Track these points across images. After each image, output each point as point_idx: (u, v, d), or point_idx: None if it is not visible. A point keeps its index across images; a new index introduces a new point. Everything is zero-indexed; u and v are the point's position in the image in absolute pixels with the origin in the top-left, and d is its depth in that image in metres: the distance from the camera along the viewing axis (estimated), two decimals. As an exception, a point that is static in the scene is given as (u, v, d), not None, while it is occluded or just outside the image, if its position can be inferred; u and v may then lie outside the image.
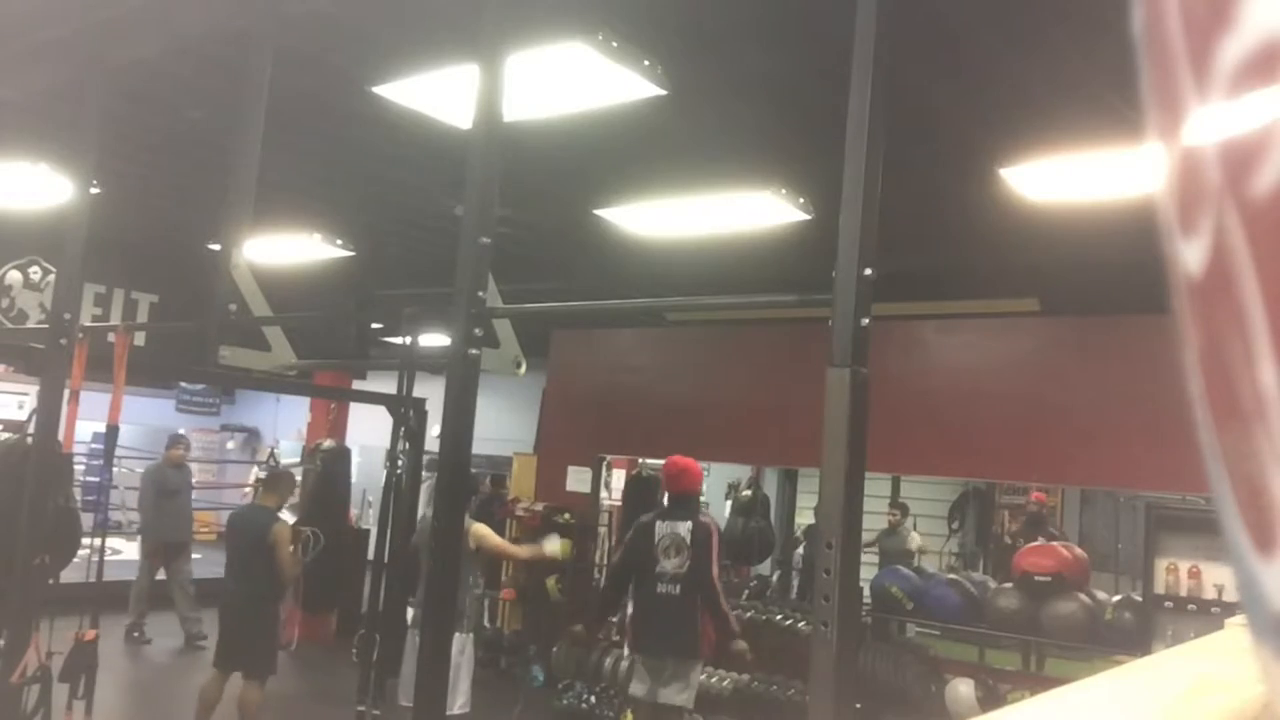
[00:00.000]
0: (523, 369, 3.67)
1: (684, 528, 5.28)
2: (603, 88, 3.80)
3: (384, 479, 5.55)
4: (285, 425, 14.94)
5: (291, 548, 6.04)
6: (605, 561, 8.83)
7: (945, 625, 7.39)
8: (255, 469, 13.49)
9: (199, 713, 5.93)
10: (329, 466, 9.15)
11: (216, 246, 4.27)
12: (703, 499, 12.42)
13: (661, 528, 5.35)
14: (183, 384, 15.17)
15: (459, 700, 5.45)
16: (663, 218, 5.78)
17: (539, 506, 8.64)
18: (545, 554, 6.50)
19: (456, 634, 5.13)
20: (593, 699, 7.40)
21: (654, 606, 5.33)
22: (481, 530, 5.83)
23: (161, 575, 9.00)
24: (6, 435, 5.86)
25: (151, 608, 8.93)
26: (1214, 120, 0.22)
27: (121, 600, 8.45)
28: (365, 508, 12.95)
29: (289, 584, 6.02)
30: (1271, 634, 0.23)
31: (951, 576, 7.73)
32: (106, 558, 4.76)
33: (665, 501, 5.56)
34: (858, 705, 3.73)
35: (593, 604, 6.62)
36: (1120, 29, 0.28)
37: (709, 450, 9.06)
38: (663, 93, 3.80)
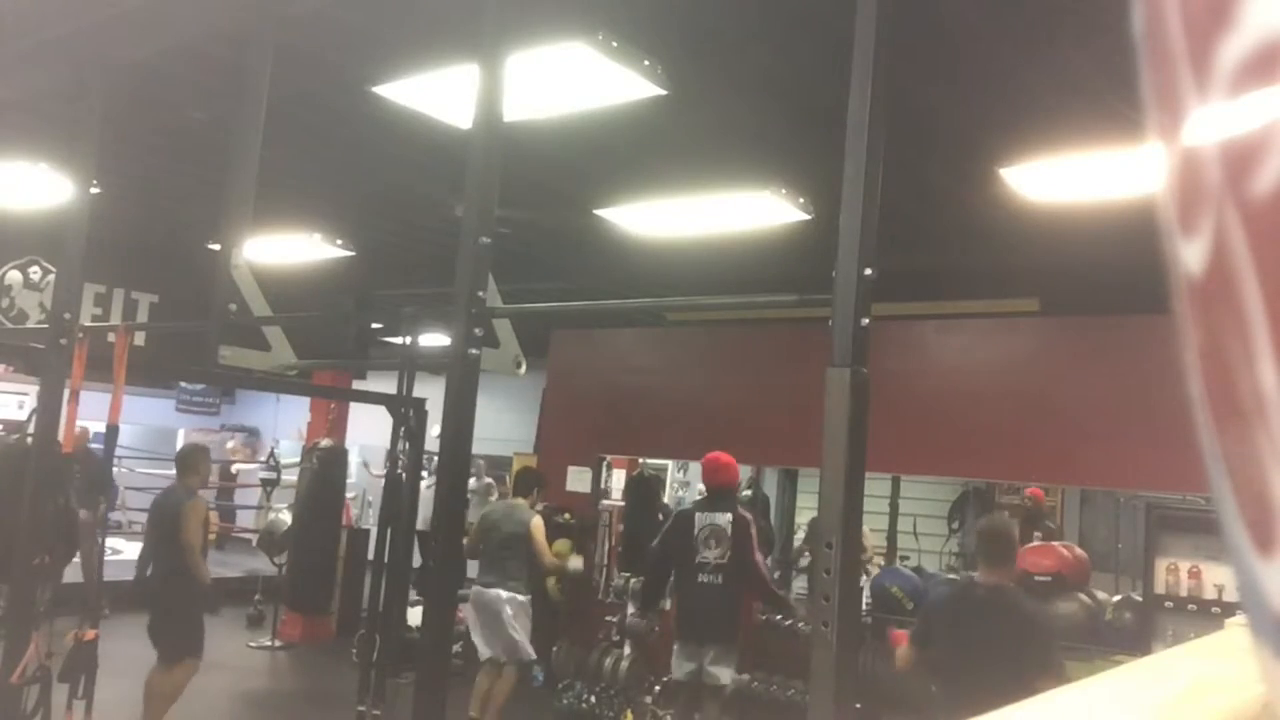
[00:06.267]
0: (523, 369, 3.67)
1: (724, 519, 5.37)
2: (603, 88, 3.80)
3: (384, 479, 5.56)
4: (285, 425, 14.93)
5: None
6: (605, 562, 8.82)
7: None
8: (259, 468, 13.46)
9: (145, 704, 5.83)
10: (325, 466, 9.14)
11: (216, 246, 4.26)
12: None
13: (701, 518, 5.43)
14: (183, 384, 15.18)
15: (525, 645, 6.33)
16: (663, 218, 5.78)
17: (539, 506, 8.63)
18: (568, 570, 7.06)
19: (517, 595, 6.25)
20: (593, 699, 7.39)
21: (696, 596, 5.45)
22: (538, 524, 6.42)
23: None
24: (6, 435, 5.87)
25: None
26: (1214, 120, 0.22)
27: (122, 600, 8.42)
28: (365, 508, 12.96)
29: (194, 560, 5.83)
30: (1271, 634, 0.23)
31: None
32: (106, 557, 4.77)
33: (704, 494, 5.66)
34: (858, 705, 3.74)
35: (637, 596, 6.90)
36: (1120, 29, 0.28)
37: (709, 450, 9.05)
38: (663, 93, 3.80)
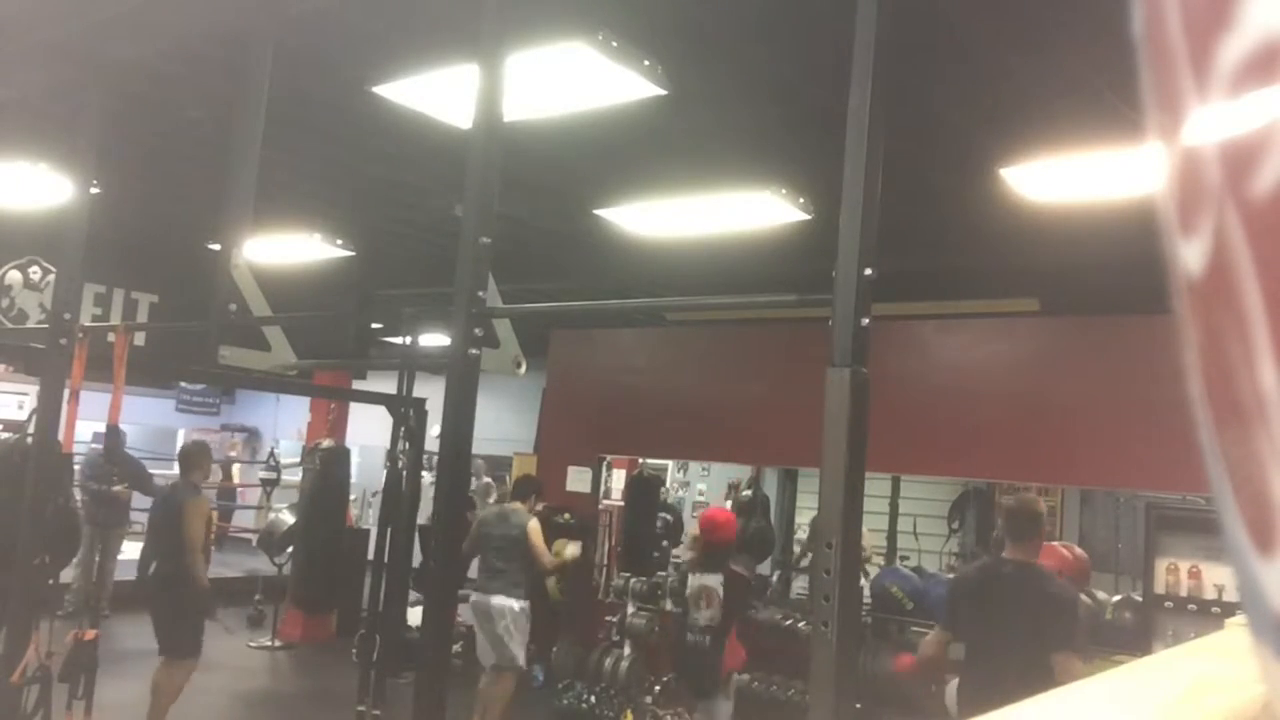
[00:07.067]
0: (523, 369, 3.67)
1: (714, 580, 5.33)
2: (603, 88, 3.80)
3: (384, 479, 5.56)
4: (285, 425, 14.94)
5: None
6: (605, 562, 8.83)
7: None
8: (259, 469, 13.47)
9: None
10: (327, 467, 9.14)
11: (216, 246, 4.26)
12: (702, 498, 12.38)
13: (693, 580, 5.40)
14: (183, 384, 15.17)
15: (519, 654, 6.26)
16: (663, 218, 5.78)
17: (539, 506, 8.63)
18: (566, 559, 7.01)
19: (514, 601, 6.16)
20: (593, 699, 7.39)
21: (683, 655, 5.44)
22: (534, 527, 6.39)
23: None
24: (6, 435, 5.87)
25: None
26: (1214, 120, 0.22)
27: (122, 600, 8.43)
28: (365, 508, 12.95)
29: (193, 558, 5.77)
30: (1271, 634, 0.23)
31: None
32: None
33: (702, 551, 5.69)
34: (858, 705, 3.74)
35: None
36: (1120, 29, 0.28)
37: (709, 450, 9.06)
38: (663, 93, 3.80)
